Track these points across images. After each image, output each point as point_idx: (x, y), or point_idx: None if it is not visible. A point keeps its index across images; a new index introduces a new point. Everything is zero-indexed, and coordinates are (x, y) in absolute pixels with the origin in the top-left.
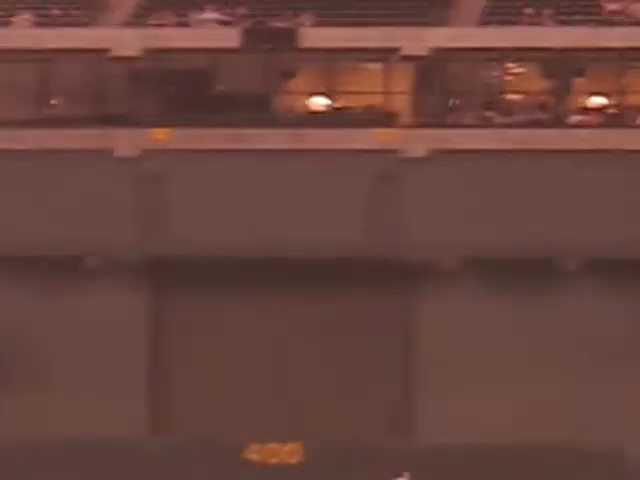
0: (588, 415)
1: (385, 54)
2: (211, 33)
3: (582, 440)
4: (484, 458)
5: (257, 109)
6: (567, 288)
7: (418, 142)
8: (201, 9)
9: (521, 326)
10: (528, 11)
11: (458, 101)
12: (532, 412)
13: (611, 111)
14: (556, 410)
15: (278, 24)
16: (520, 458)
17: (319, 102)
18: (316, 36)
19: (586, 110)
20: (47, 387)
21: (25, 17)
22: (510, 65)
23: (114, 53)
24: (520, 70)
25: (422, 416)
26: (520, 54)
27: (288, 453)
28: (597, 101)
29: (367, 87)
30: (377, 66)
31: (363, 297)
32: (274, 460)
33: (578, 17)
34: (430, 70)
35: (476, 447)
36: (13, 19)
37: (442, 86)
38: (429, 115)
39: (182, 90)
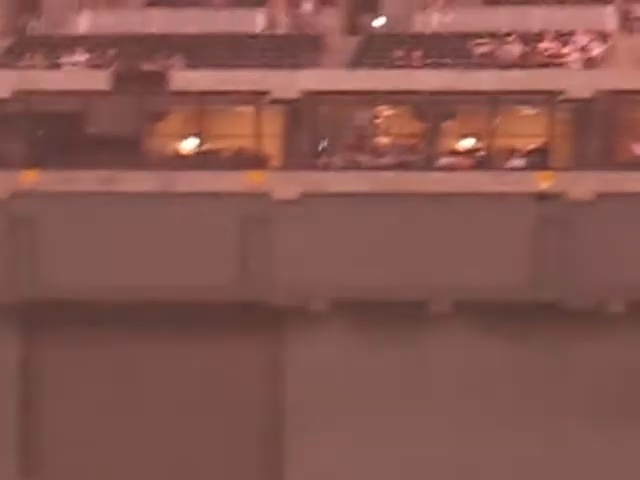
0: (461, 462)
1: (255, 97)
2: (82, 75)
3: None
4: None
5: (128, 151)
6: (438, 330)
7: (289, 185)
8: (72, 51)
9: (392, 369)
10: (398, 54)
11: (329, 144)
12: (403, 458)
13: (481, 154)
14: (427, 456)
15: (148, 66)
16: None
17: (190, 145)
18: (186, 79)
19: (456, 153)
20: None
21: None
22: (381, 108)
23: None
24: (390, 113)
25: (292, 462)
26: (390, 97)
27: None
28: (467, 144)
29: (238, 130)
30: (248, 109)
31: (234, 340)
32: None
33: (448, 60)
34: (301, 113)
35: None
36: None
37: (313, 129)
38: (300, 158)
39: (52, 132)
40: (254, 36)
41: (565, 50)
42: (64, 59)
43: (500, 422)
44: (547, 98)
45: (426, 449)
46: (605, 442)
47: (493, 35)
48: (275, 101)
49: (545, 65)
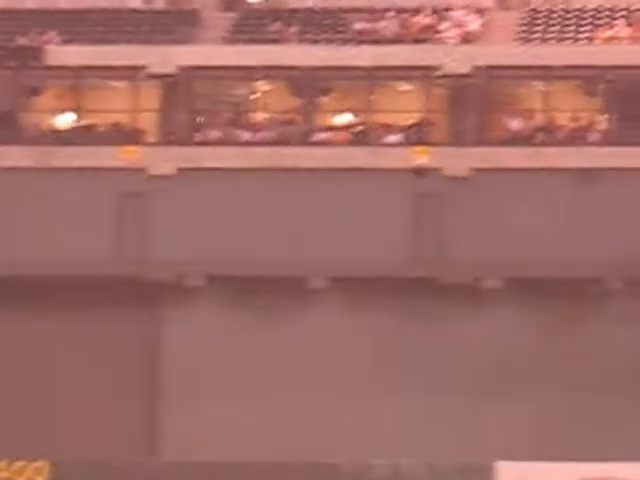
0: (335, 430)
1: (132, 72)
2: None
3: (328, 455)
4: (230, 475)
5: (3, 127)
6: (313, 304)
7: (165, 160)
8: None
9: (267, 342)
10: (275, 29)
11: (206, 119)
12: (279, 429)
13: (358, 129)
14: (303, 426)
15: (24, 42)
16: (266, 475)
17: (66, 120)
18: (62, 54)
19: (333, 128)
20: None
21: None
22: (257, 83)
23: None
24: (267, 88)
25: (168, 434)
26: (267, 72)
27: (35, 471)
28: (344, 119)
29: (114, 105)
30: (124, 84)
31: (111, 315)
32: (21, 479)
33: (325, 36)
34: (177, 88)
35: (222, 464)
36: None
37: (189, 104)
38: (176, 133)
39: None
40: (130, 11)
41: (442, 26)
42: None
43: (376, 395)
44: (424, 74)
45: (302, 420)
46: (478, 416)
47: (370, 11)
48: (151, 76)
49: (422, 41)
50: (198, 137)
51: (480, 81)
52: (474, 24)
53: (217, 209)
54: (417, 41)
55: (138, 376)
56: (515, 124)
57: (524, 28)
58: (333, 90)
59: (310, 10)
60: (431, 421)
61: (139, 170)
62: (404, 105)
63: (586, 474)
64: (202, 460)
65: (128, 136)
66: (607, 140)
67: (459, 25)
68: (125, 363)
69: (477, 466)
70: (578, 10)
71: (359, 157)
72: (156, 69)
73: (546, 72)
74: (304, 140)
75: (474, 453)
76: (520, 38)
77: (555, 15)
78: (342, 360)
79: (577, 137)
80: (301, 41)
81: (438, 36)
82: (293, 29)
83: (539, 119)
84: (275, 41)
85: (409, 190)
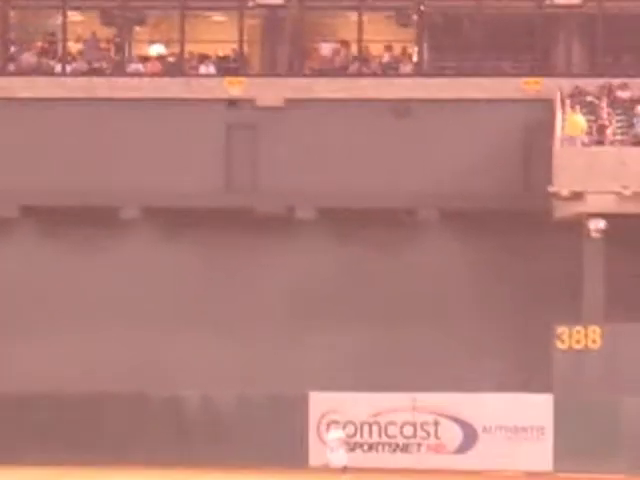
0: (147, 361)
1: None
2: None
3: (139, 387)
4: (47, 407)
5: None
6: (126, 235)
7: None
8: None
9: (81, 273)
10: None
11: (19, 49)
12: (92, 360)
13: (171, 60)
14: (115, 357)
15: None
16: (74, 406)
17: None
18: None
19: (146, 59)
20: None
21: None
22: (70, 13)
23: None
24: (80, 18)
25: None
26: (80, 2)
27: None
28: (157, 50)
29: None
30: None
31: None
32: None
33: None
34: None
35: (40, 396)
36: None
37: (3, 34)
38: None
39: None
40: None
41: None
42: None
43: (187, 326)
44: (237, 4)
45: (114, 351)
46: (292, 346)
47: None
48: None
49: None
50: (12, 67)
51: (294, 11)
52: None
53: (30, 139)
54: None
55: None
56: (329, 54)
57: None
58: (147, 20)
59: None
60: (244, 352)
61: None
62: (218, 35)
63: (395, 403)
64: (14, 392)
65: None
66: (419, 71)
67: None
68: None
69: (290, 396)
70: None
71: (172, 88)
72: None
73: (359, 2)
74: (117, 70)
75: (288, 384)
76: None
77: None
78: (155, 291)
79: (390, 68)
80: None
81: None
82: None
83: (353, 49)
84: None
85: (222, 121)
